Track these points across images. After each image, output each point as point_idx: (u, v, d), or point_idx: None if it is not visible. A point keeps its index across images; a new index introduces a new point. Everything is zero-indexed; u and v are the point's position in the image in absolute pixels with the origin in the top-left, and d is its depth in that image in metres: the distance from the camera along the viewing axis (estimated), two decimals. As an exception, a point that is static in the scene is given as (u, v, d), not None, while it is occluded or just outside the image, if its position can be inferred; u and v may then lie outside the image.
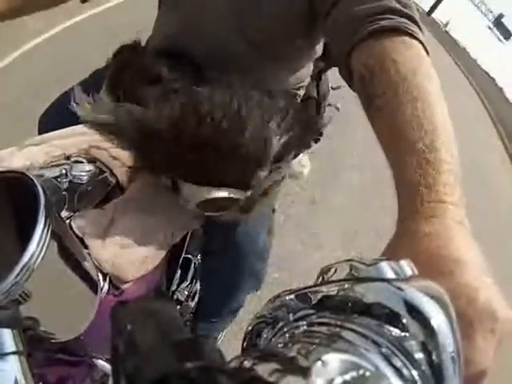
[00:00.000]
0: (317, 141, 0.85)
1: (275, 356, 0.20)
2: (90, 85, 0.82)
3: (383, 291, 0.22)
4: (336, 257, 2.09)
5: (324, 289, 0.24)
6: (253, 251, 0.89)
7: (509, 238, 3.07)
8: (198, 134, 0.55)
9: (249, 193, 0.60)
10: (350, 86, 0.53)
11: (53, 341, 0.44)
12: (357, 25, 0.49)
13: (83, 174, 0.59)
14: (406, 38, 0.46)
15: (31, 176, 0.41)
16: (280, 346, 0.23)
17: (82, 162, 0.60)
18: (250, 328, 0.27)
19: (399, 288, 0.21)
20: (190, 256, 0.97)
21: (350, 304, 0.22)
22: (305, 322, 0.23)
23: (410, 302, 0.21)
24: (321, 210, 2.41)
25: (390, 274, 0.22)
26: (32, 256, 0.37)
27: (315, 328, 0.22)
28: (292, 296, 0.25)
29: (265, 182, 0.60)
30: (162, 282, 0.82)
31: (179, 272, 0.93)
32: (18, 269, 0.36)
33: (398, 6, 0.49)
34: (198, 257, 1.02)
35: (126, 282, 0.57)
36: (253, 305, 1.08)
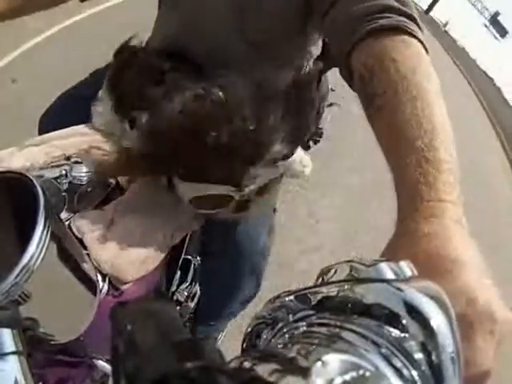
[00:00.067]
0: (316, 142, 0.85)
1: (275, 356, 0.20)
2: (90, 84, 0.82)
3: (383, 292, 0.22)
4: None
5: (324, 290, 0.24)
6: (253, 251, 0.89)
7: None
8: (191, 133, 0.55)
9: (243, 191, 0.60)
10: (350, 86, 0.53)
11: (52, 342, 0.44)
12: (356, 24, 0.49)
13: (83, 174, 0.59)
14: (406, 37, 0.46)
15: (31, 177, 0.41)
16: (280, 346, 0.23)
17: (82, 163, 0.60)
18: (249, 329, 0.27)
19: (399, 289, 0.21)
20: (189, 257, 0.97)
21: (349, 305, 0.22)
22: (304, 323, 0.23)
23: (409, 302, 0.21)
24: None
25: (390, 275, 0.23)
26: (32, 257, 0.37)
27: (315, 329, 0.22)
28: (292, 297, 0.25)
29: (259, 180, 0.60)
30: (162, 283, 0.82)
31: (179, 273, 0.93)
32: (17, 269, 0.36)
33: (396, 4, 0.49)
34: (198, 258, 1.02)
35: (125, 283, 0.57)
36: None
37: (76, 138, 0.67)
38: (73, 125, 0.70)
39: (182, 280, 0.98)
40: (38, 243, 0.37)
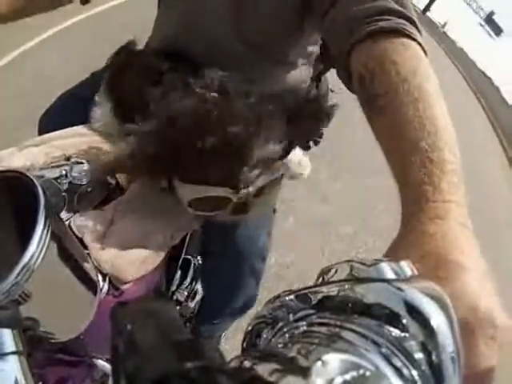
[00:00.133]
0: (316, 143, 0.85)
1: (275, 356, 0.20)
2: (90, 85, 0.82)
3: (383, 292, 0.22)
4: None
5: (324, 289, 0.24)
6: (253, 252, 0.89)
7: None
8: (189, 134, 0.55)
9: (240, 193, 0.60)
10: (348, 87, 0.53)
11: (52, 341, 0.44)
12: (355, 25, 0.49)
13: (83, 175, 0.59)
14: (404, 40, 0.47)
15: (31, 176, 0.41)
16: (280, 346, 0.23)
17: (82, 163, 0.60)
18: (249, 328, 0.27)
19: (399, 288, 0.21)
20: (189, 257, 0.97)
21: (350, 304, 0.22)
22: (305, 323, 0.23)
23: (409, 302, 0.21)
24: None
25: (390, 275, 0.23)
26: (32, 256, 0.37)
27: (315, 328, 0.22)
28: (292, 296, 0.25)
29: (257, 182, 0.60)
30: (162, 283, 0.82)
31: (179, 273, 0.93)
32: (18, 269, 0.36)
33: (396, 6, 0.49)
34: (198, 257, 1.02)
35: (125, 283, 0.57)
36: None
37: (76, 139, 0.67)
38: (73, 125, 0.70)
39: (182, 280, 0.98)
40: (39, 243, 0.37)
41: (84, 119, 0.71)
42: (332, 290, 0.23)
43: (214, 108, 0.57)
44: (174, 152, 0.56)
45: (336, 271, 0.25)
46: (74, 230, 0.56)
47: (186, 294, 1.03)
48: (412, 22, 0.49)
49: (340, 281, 0.24)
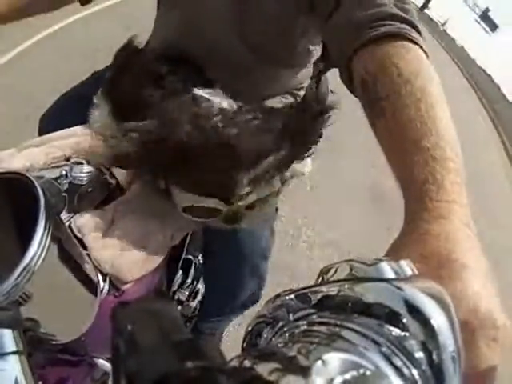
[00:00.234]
0: (316, 142, 0.85)
1: (275, 355, 0.20)
2: (91, 85, 0.82)
3: (383, 291, 0.22)
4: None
5: (324, 289, 0.24)
6: (255, 251, 0.89)
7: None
8: (181, 146, 0.56)
9: (231, 206, 0.60)
10: (350, 90, 0.53)
11: (53, 342, 0.44)
12: (358, 30, 0.50)
13: (83, 175, 0.59)
14: (406, 43, 0.47)
15: (31, 177, 0.41)
16: (280, 345, 0.23)
17: (82, 164, 0.60)
18: (250, 328, 0.27)
19: (399, 288, 0.21)
20: (190, 256, 0.97)
21: (350, 304, 0.22)
22: (305, 322, 0.23)
23: (410, 301, 0.21)
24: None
25: (390, 274, 0.23)
26: (33, 257, 0.37)
27: (315, 328, 0.22)
28: (292, 296, 0.25)
29: (248, 198, 0.60)
30: (163, 283, 0.82)
31: (180, 272, 0.94)
32: (18, 270, 0.36)
33: (399, 12, 0.50)
34: (199, 257, 1.02)
35: (126, 283, 0.57)
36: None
37: (76, 139, 0.67)
38: (73, 125, 0.70)
39: (184, 279, 0.98)
40: (39, 244, 0.38)
41: (84, 119, 0.71)
42: (332, 290, 0.23)
43: (217, 114, 0.58)
44: (172, 155, 0.57)
45: (336, 271, 0.25)
46: (75, 230, 0.56)
47: (187, 293, 1.03)
48: (414, 27, 0.49)
49: (340, 280, 0.24)
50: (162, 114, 0.58)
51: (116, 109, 0.68)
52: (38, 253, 0.37)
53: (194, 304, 1.07)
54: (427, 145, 0.37)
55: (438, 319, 0.21)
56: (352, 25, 0.51)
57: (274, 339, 0.25)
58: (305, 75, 0.85)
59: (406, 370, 0.19)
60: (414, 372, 0.20)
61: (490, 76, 10.02)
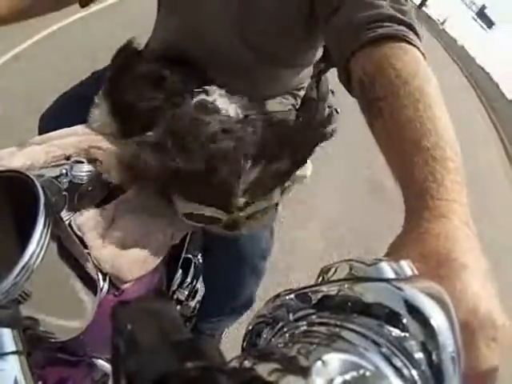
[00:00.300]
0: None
1: (275, 356, 0.20)
2: (90, 85, 0.82)
3: (383, 291, 0.22)
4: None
5: (324, 289, 0.24)
6: (256, 253, 0.89)
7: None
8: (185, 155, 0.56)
9: (230, 215, 0.61)
10: (349, 91, 0.54)
11: (52, 340, 0.44)
12: (356, 32, 0.50)
13: (83, 174, 0.59)
14: (403, 45, 0.47)
15: (31, 176, 0.41)
16: (280, 345, 0.23)
17: (82, 162, 0.60)
18: (249, 328, 0.27)
19: (399, 288, 0.21)
20: (190, 256, 0.97)
21: (350, 304, 0.22)
22: (305, 322, 0.23)
23: (410, 301, 0.21)
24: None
25: (390, 274, 0.23)
26: (32, 256, 0.37)
27: (315, 328, 0.22)
28: (292, 296, 0.25)
29: (248, 209, 0.61)
30: (162, 282, 0.82)
31: (179, 272, 0.93)
32: (17, 269, 0.36)
33: (397, 14, 0.50)
34: (199, 257, 1.02)
35: (125, 282, 0.57)
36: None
37: (76, 138, 0.67)
38: (73, 125, 0.70)
39: (183, 279, 0.98)
40: (38, 242, 0.37)
41: (84, 119, 0.71)
42: (332, 290, 0.23)
43: (219, 123, 0.58)
44: (173, 169, 0.57)
45: (336, 270, 0.25)
46: (75, 229, 0.56)
47: (186, 293, 1.03)
48: (412, 29, 0.50)
49: (340, 280, 0.24)
50: (165, 123, 0.59)
51: (116, 108, 0.68)
52: (38, 251, 0.37)
53: (193, 304, 1.07)
54: (427, 145, 0.37)
55: (437, 319, 0.21)
56: (351, 26, 0.52)
57: (273, 339, 0.25)
58: (305, 75, 0.85)
59: (405, 371, 0.19)
60: (414, 372, 0.20)
61: (488, 74, 10.04)
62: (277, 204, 0.66)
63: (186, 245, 0.83)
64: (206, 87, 0.68)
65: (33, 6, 0.71)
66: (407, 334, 0.20)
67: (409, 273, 0.23)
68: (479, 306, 0.26)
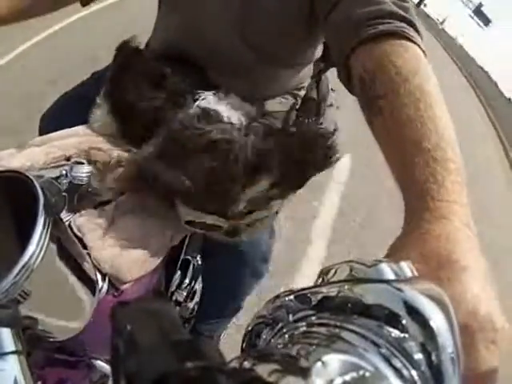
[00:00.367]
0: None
1: (275, 356, 0.20)
2: (90, 85, 0.82)
3: (383, 292, 0.22)
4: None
5: (324, 290, 0.24)
6: (256, 256, 0.89)
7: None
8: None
9: (231, 223, 0.61)
10: (348, 89, 0.53)
11: (51, 339, 0.44)
12: (356, 28, 0.49)
13: (83, 174, 0.59)
14: (404, 42, 0.47)
15: (30, 176, 0.41)
16: (280, 346, 0.23)
17: (82, 163, 0.60)
18: (249, 328, 0.27)
19: (399, 289, 0.21)
20: (189, 257, 0.97)
21: (349, 305, 0.22)
22: (304, 323, 0.23)
23: (409, 303, 0.21)
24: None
25: (390, 275, 0.23)
26: (31, 256, 0.37)
27: (315, 329, 0.22)
28: (292, 297, 0.25)
29: (247, 217, 0.61)
30: (161, 283, 0.82)
31: (178, 273, 0.93)
32: (17, 268, 0.36)
33: (397, 10, 0.50)
34: (198, 258, 1.02)
35: (125, 283, 0.57)
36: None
37: (76, 139, 0.67)
38: (73, 125, 0.70)
39: (182, 280, 0.98)
40: (38, 242, 0.38)
41: (84, 119, 0.71)
42: (332, 291, 0.23)
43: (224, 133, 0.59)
44: (175, 168, 0.57)
45: (336, 272, 0.25)
46: (74, 229, 0.56)
47: (185, 294, 1.03)
48: (413, 26, 0.49)
49: (340, 281, 0.24)
50: (167, 131, 0.59)
51: (116, 108, 0.68)
52: (37, 251, 0.37)
53: (191, 305, 1.07)
54: (428, 146, 0.37)
55: (437, 321, 0.21)
56: (350, 23, 0.51)
57: (273, 340, 0.25)
58: (305, 75, 0.85)
59: (405, 372, 0.19)
60: (414, 373, 0.20)
61: (487, 73, 10.06)
62: (277, 212, 0.66)
63: (184, 246, 0.83)
64: (209, 92, 0.68)
65: (33, 5, 0.71)
66: (407, 335, 0.20)
67: (409, 274, 0.23)
68: (479, 309, 0.26)
